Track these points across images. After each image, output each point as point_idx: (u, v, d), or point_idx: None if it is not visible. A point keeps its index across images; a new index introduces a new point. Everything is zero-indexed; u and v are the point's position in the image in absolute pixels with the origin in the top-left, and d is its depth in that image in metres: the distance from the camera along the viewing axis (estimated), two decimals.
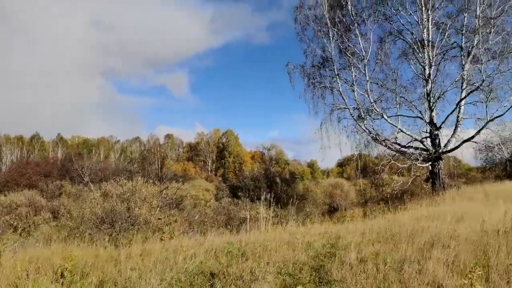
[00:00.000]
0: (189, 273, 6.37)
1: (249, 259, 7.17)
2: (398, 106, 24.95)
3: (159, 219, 14.03)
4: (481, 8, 21.90)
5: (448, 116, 23.70)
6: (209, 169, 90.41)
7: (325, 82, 25.86)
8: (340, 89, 25.12)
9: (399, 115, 24.83)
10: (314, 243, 8.37)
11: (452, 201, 17.09)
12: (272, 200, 13.58)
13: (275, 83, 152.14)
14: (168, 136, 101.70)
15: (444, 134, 24.15)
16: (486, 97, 21.54)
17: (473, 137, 22.81)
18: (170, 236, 10.45)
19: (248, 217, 13.33)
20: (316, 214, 23.75)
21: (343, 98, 25.10)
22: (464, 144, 23.45)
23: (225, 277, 6.12)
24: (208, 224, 18.50)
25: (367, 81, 24.10)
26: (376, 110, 23.95)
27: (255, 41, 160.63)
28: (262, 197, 13.43)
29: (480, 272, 5.02)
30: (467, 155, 47.61)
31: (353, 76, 24.52)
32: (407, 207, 16.26)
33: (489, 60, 21.95)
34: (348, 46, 24.48)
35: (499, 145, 24.76)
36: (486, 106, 21.81)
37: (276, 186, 39.64)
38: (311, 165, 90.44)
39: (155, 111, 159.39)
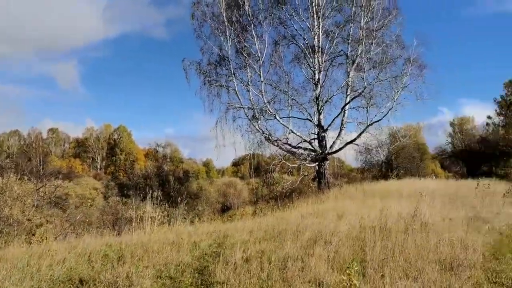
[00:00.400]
0: (54, 281, 5.56)
1: (127, 262, 6.53)
2: (290, 108, 25.73)
3: (28, 219, 12.45)
4: (364, 20, 23.63)
5: (334, 119, 25.15)
6: (98, 166, 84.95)
7: (221, 81, 25.65)
8: (236, 89, 25.12)
9: (291, 117, 25.65)
10: (201, 243, 8.00)
11: (335, 199, 18.02)
12: (163, 199, 12.95)
13: (172, 79, 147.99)
14: (52, 130, 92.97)
15: (330, 136, 25.58)
16: (367, 103, 23.27)
17: (355, 139, 24.51)
18: (41, 239, 9.28)
19: (134, 216, 12.48)
20: (207, 213, 23.52)
21: (238, 97, 25.13)
22: (347, 146, 25.09)
23: (95, 284, 5.45)
24: (93, 225, 17.16)
25: (262, 82, 24.49)
26: (269, 110, 24.42)
27: (152, 35, 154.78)
28: (148, 195, 12.67)
29: (357, 268, 5.09)
30: (349, 157, 51.36)
31: (249, 76, 24.72)
32: (295, 205, 16.72)
33: (370, 69, 23.76)
34: (245, 46, 24.61)
35: (377, 148, 27.01)
36: (367, 112, 23.60)
37: (169, 184, 38.47)
38: (207, 164, 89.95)
39: (40, 103, 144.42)
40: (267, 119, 25.45)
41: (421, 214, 10.29)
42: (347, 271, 5.02)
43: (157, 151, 69.54)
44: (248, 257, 6.64)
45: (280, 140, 25.50)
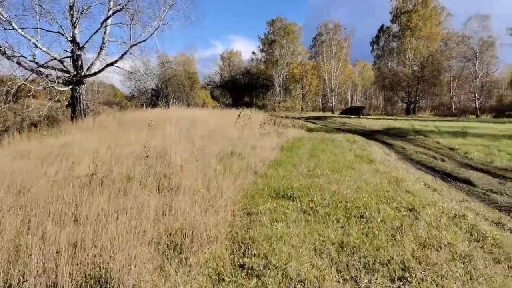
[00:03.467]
0: None
1: None
2: (37, 17, 19.80)
3: None
4: None
5: (92, 35, 20.62)
6: None
7: None
8: None
9: (39, 28, 19.79)
10: None
11: (83, 131, 14.49)
12: None
13: None
14: None
15: (90, 57, 21.14)
16: (130, 19, 19.62)
17: (116, 61, 20.76)
18: None
19: None
20: None
21: None
22: (113, 70, 21.32)
23: None
24: None
25: None
26: (2, 16, 18.03)
27: None
28: None
29: None
30: (121, 83, 46.87)
31: None
32: (26, 138, 12.47)
33: None
34: None
35: (145, 73, 23.97)
36: (130, 29, 19.99)
37: None
38: None
39: None
40: (5, 29, 18.98)
41: (171, 152, 8.03)
42: None
43: None
44: None
45: (25, 57, 19.63)
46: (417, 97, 55.47)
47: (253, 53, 70.14)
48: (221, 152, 9.06)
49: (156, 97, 34.95)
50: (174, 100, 37.03)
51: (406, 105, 57.25)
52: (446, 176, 8.73)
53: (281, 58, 63.28)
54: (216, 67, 71.65)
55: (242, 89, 59.43)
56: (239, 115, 13.45)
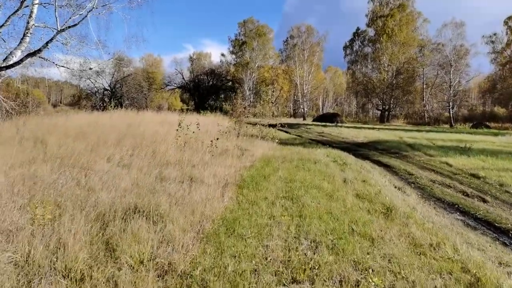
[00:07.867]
0: None
1: None
2: None
3: None
4: None
5: (10, 16, 15.67)
6: None
7: None
8: None
9: None
10: None
11: None
12: None
13: None
14: None
15: (10, 47, 16.19)
16: None
17: (40, 50, 15.80)
18: None
19: None
20: None
21: None
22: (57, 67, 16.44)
23: None
24: None
25: None
26: None
27: None
28: None
29: None
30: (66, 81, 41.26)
31: None
32: None
33: None
34: None
35: (84, 69, 19.11)
36: (55, 10, 15.15)
37: None
38: None
39: None
40: None
41: None
42: None
43: None
44: None
45: None
46: (391, 105, 52.31)
47: (222, 54, 65.38)
48: (118, 204, 4.60)
49: (109, 98, 29.72)
50: (129, 101, 31.80)
51: (380, 112, 54.03)
52: None
53: (251, 61, 58.91)
54: (179, 68, 66.20)
55: (206, 91, 54.12)
56: (179, 125, 9.05)
